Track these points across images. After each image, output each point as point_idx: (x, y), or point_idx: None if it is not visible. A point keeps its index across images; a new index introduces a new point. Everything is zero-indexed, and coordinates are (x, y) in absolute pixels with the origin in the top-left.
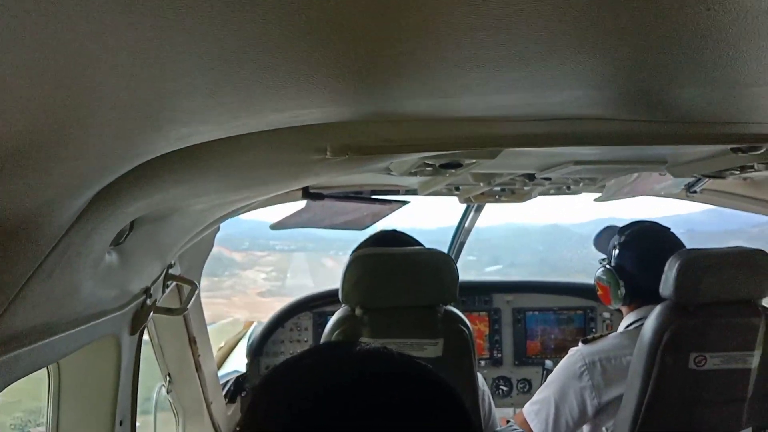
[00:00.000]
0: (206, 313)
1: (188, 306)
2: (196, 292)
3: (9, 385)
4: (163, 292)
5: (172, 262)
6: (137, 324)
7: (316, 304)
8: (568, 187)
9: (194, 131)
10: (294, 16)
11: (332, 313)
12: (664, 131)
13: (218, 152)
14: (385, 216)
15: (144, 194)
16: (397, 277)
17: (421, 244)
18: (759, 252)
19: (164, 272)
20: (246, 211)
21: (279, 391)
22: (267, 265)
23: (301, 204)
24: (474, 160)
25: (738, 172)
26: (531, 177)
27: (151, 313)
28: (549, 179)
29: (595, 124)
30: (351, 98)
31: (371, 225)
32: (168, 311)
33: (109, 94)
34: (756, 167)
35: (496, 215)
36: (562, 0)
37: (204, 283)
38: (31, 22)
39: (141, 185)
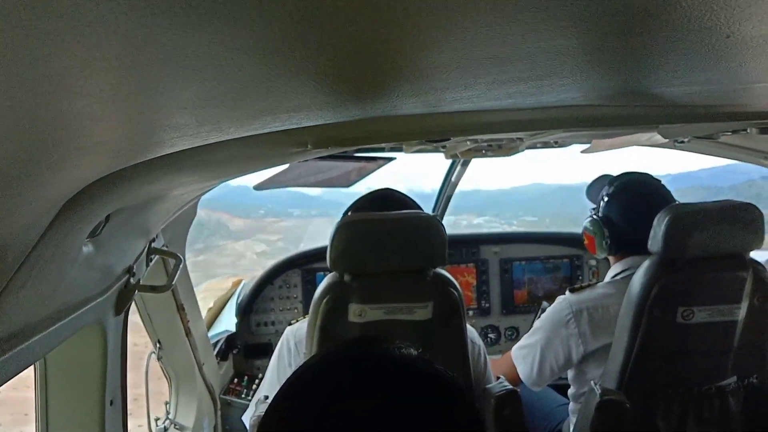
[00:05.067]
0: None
1: (173, 282)
2: (181, 265)
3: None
4: (147, 266)
5: (155, 236)
6: (121, 305)
7: (304, 262)
8: (556, 142)
9: (176, 143)
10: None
11: (321, 270)
12: (654, 114)
13: (196, 155)
14: (371, 172)
15: (118, 196)
16: (385, 242)
17: (416, 202)
18: (747, 205)
19: (147, 247)
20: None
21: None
22: (275, 232)
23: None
24: (463, 136)
25: (730, 134)
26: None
27: (136, 291)
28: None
29: (584, 110)
30: (337, 105)
31: (357, 181)
32: (153, 289)
33: (87, 122)
34: (749, 131)
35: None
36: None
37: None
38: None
39: (115, 188)
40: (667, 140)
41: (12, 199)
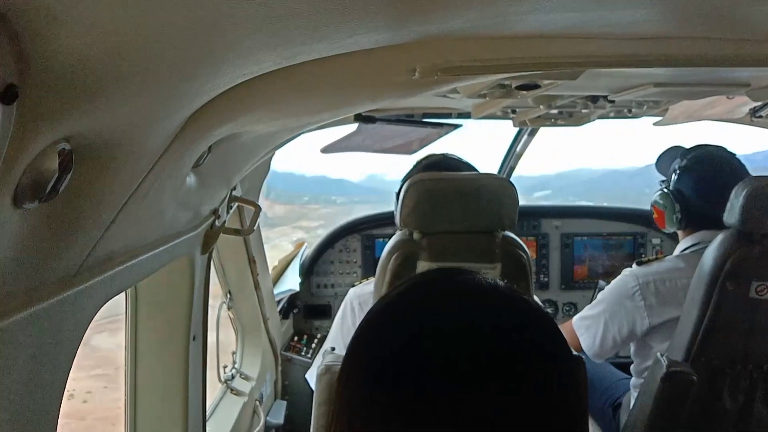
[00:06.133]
0: None
1: (254, 227)
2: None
3: (104, 304)
4: (228, 213)
5: (235, 186)
6: (208, 244)
7: (364, 227)
8: (630, 111)
9: (300, 51)
10: None
11: (380, 237)
12: (749, 52)
13: (308, 72)
14: (433, 141)
15: (231, 117)
16: (456, 202)
17: (473, 167)
18: None
19: (228, 195)
20: (303, 133)
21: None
22: (316, 219)
23: (352, 127)
24: (552, 81)
25: None
26: (594, 99)
27: (220, 233)
28: (612, 102)
29: (681, 44)
30: (439, 13)
31: (419, 150)
32: (236, 231)
33: (217, 19)
34: None
35: (567, 162)
36: None
37: None
38: None
39: (231, 107)
40: (746, 113)
41: (151, 90)
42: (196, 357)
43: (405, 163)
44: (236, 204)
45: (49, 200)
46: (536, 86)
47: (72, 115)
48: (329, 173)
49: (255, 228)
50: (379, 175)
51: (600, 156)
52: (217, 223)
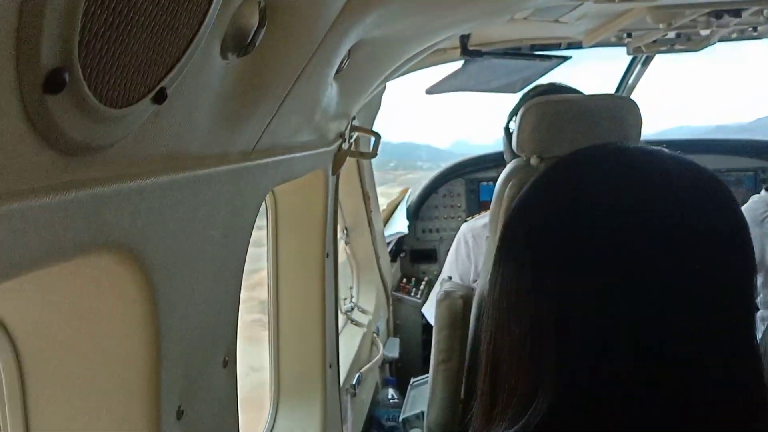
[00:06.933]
0: None
1: (377, 153)
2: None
3: (269, 190)
4: (348, 141)
5: (353, 116)
6: (337, 164)
7: (468, 171)
8: (755, 29)
9: None
10: None
11: (485, 180)
12: None
13: None
14: (535, 80)
15: (372, 11)
16: (577, 123)
17: (582, 93)
18: None
19: (349, 124)
20: (409, 71)
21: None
22: (403, 184)
23: (457, 65)
24: None
25: None
26: (718, 15)
27: (347, 157)
28: (739, 15)
29: None
30: None
31: (522, 88)
32: (361, 155)
33: None
34: None
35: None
36: None
37: None
38: None
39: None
40: None
41: None
42: (330, 273)
43: (491, 128)
44: (356, 134)
45: (246, 54)
46: None
47: None
48: (415, 139)
49: (377, 153)
50: (465, 140)
51: (702, 112)
52: (344, 146)
